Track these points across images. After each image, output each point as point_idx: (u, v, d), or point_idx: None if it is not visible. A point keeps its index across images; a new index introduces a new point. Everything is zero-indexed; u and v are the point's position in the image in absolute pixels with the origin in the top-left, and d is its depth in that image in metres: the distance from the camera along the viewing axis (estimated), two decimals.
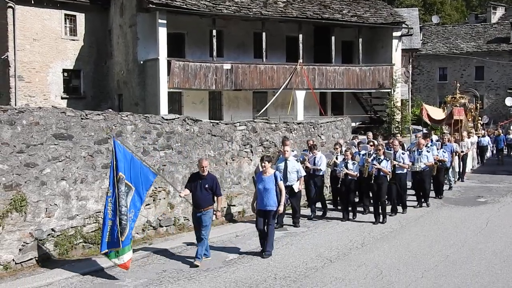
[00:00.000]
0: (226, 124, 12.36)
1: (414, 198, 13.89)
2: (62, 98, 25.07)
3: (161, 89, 21.63)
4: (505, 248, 9.60)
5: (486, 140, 25.01)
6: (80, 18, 25.31)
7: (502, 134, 26.80)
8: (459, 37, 46.59)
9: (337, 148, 12.97)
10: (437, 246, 9.82)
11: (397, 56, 27.87)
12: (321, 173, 12.47)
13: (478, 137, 24.66)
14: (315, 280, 7.92)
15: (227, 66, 23.20)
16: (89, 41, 25.66)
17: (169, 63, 21.75)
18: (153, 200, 10.52)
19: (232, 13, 22.98)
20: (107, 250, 8.03)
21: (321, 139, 15.15)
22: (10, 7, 23.15)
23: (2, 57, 23.44)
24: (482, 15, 56.60)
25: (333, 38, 25.93)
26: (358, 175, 12.12)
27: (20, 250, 8.37)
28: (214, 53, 23.06)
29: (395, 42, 27.69)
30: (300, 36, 25.05)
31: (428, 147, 14.25)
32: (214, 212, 8.95)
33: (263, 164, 9.33)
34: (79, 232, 9.20)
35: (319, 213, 12.62)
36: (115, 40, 25.24)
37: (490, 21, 49.48)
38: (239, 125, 12.56)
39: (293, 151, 12.42)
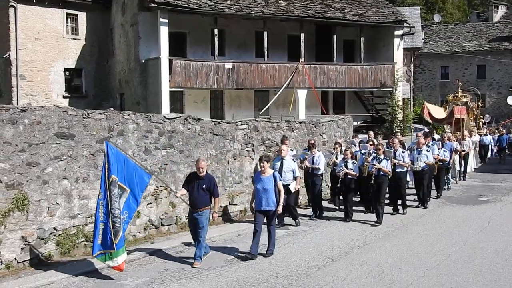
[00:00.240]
0: (227, 123, 12.36)
1: (415, 197, 13.89)
2: (64, 97, 25.09)
3: (162, 88, 21.66)
4: (507, 247, 9.60)
5: (488, 139, 24.99)
6: (82, 17, 25.32)
7: (505, 134, 26.76)
8: (461, 35, 46.52)
9: (336, 148, 12.96)
10: (438, 245, 9.83)
11: (399, 55, 27.85)
12: (320, 172, 12.41)
13: (480, 135, 24.65)
14: (316, 279, 7.92)
15: (228, 65, 23.19)
16: (90, 40, 25.67)
17: (170, 62, 21.76)
18: (155, 199, 10.52)
19: (234, 12, 22.97)
20: (98, 252, 8.00)
21: (323, 138, 15.13)
22: (12, 6, 23.16)
23: (4, 56, 23.45)
24: (484, 13, 56.54)
25: (334, 37, 25.91)
26: (357, 174, 12.13)
27: (22, 249, 8.38)
28: (216, 52, 23.04)
29: (396, 41, 27.68)
30: (302, 35, 25.01)
31: (429, 146, 14.23)
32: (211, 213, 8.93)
33: (261, 164, 9.26)
34: (81, 231, 9.21)
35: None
36: (116, 39, 25.23)
37: (492, 20, 49.37)
38: (241, 124, 12.54)
39: (292, 150, 12.39)
